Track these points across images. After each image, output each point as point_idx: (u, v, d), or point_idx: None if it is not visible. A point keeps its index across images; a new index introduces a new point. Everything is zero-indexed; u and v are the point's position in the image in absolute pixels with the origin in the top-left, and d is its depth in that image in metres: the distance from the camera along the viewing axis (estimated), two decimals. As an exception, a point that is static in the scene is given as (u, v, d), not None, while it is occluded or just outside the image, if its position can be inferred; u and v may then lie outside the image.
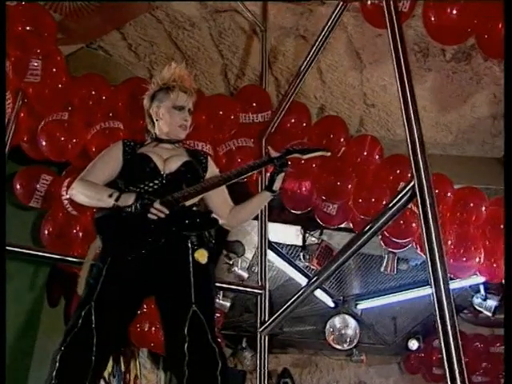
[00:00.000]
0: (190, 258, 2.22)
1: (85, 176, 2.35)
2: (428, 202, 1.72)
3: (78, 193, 2.31)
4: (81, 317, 2.07)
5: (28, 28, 3.16)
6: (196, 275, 2.19)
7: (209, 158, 2.59)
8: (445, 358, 1.49)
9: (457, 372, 1.45)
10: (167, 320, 2.21)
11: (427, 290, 5.60)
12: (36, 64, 3.25)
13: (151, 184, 2.29)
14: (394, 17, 2.20)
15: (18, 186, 3.63)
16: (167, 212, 2.17)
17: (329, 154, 2.66)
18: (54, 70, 3.37)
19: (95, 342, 2.03)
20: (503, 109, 1.85)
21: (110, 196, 2.21)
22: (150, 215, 2.15)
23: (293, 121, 3.69)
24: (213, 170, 2.54)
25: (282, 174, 2.44)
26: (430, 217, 1.69)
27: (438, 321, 1.54)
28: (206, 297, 2.22)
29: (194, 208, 2.36)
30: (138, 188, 2.28)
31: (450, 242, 3.83)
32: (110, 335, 2.11)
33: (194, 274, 2.19)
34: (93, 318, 2.06)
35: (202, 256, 2.23)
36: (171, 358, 2.18)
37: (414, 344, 6.97)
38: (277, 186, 2.45)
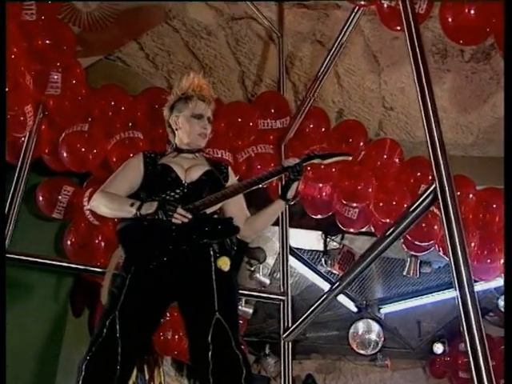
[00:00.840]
0: (213, 266, 2.21)
1: (105, 188, 2.36)
2: (450, 204, 1.71)
3: (100, 204, 2.32)
4: (105, 326, 2.07)
5: (48, 42, 3.18)
6: (219, 283, 2.19)
7: (229, 167, 2.59)
8: (471, 361, 1.47)
9: (484, 376, 1.43)
10: (191, 328, 2.21)
11: (451, 293, 5.55)
12: (56, 77, 3.30)
13: (173, 193, 2.29)
14: (411, 19, 2.20)
15: (41, 198, 3.66)
16: (190, 217, 2.17)
17: (350, 158, 2.63)
18: (74, 82, 3.42)
19: (120, 350, 2.03)
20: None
21: (132, 205, 2.21)
22: (174, 220, 2.15)
23: (311, 126, 3.69)
24: (233, 180, 2.54)
25: (296, 183, 2.40)
26: (452, 219, 1.68)
27: (464, 324, 1.53)
28: (229, 304, 2.22)
29: (215, 216, 2.36)
30: (160, 198, 2.28)
31: (473, 244, 3.79)
32: (134, 344, 2.11)
33: (216, 282, 2.19)
34: (117, 327, 2.06)
35: (224, 264, 2.22)
36: (196, 365, 2.17)
37: (438, 348, 6.89)
38: (290, 194, 2.41)
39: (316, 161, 2.43)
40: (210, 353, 2.03)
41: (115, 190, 2.34)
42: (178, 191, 2.31)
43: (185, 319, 2.24)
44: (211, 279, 2.19)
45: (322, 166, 3.29)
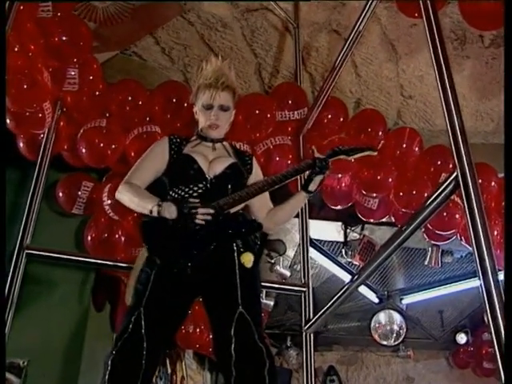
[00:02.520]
0: (236, 261, 2.22)
1: (130, 177, 2.36)
2: (472, 193, 1.70)
3: (124, 197, 2.32)
4: (131, 322, 2.10)
5: (64, 38, 3.18)
6: (242, 277, 2.20)
7: (253, 158, 2.57)
8: (497, 351, 1.46)
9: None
10: (215, 322, 2.22)
11: (473, 283, 5.50)
12: (73, 73, 3.30)
13: (196, 188, 2.28)
14: (429, 5, 2.17)
15: (61, 194, 3.68)
16: (212, 212, 2.17)
17: (375, 153, 2.56)
18: (91, 77, 3.43)
19: (145, 346, 2.06)
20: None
21: (151, 211, 2.19)
22: (197, 221, 2.15)
23: (330, 116, 3.66)
24: (257, 171, 2.52)
25: (321, 176, 2.38)
26: (474, 207, 1.67)
27: (489, 313, 1.52)
28: (252, 298, 2.23)
29: (240, 211, 2.34)
30: (183, 191, 2.29)
31: (496, 233, 3.74)
32: (159, 340, 2.14)
33: (240, 277, 2.19)
34: (142, 323, 2.08)
35: (247, 261, 2.22)
36: (219, 358, 2.19)
37: (462, 338, 6.85)
38: (313, 187, 2.39)
39: (341, 157, 2.41)
40: (232, 345, 2.05)
41: (140, 180, 2.34)
42: (201, 185, 2.29)
43: (209, 313, 2.26)
44: (235, 274, 2.19)
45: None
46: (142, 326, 2.08)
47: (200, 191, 2.28)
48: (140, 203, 2.26)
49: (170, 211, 2.16)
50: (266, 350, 2.09)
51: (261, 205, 2.45)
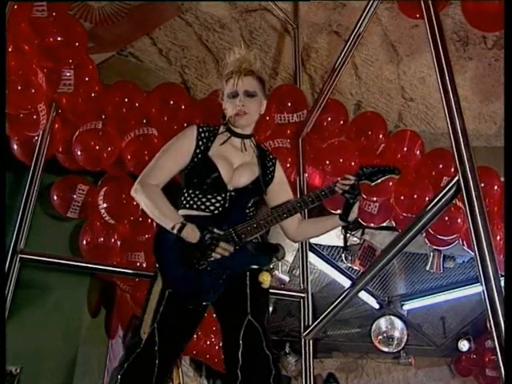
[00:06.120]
0: (247, 272, 2.22)
1: (149, 176, 2.23)
2: (474, 197, 1.67)
3: (141, 201, 2.21)
4: (144, 338, 2.07)
5: (59, 38, 3.14)
6: (252, 288, 2.21)
7: (277, 163, 2.48)
8: (500, 359, 1.43)
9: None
10: (225, 329, 2.24)
11: (476, 288, 5.47)
12: (68, 74, 3.26)
13: (213, 200, 2.22)
14: (431, 6, 2.14)
15: (55, 197, 3.65)
16: (232, 250, 2.14)
17: (398, 176, 2.49)
18: (87, 79, 3.38)
19: (157, 362, 2.04)
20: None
21: (173, 228, 2.11)
22: (214, 254, 2.12)
23: (329, 119, 3.62)
24: (281, 178, 2.46)
25: (357, 204, 2.35)
26: (477, 212, 1.65)
27: (491, 320, 1.49)
28: (261, 308, 2.24)
29: (255, 240, 2.27)
30: (199, 201, 2.22)
31: (498, 237, 3.69)
32: (171, 356, 2.15)
33: (250, 287, 2.20)
34: (156, 339, 2.06)
35: (265, 280, 2.23)
36: (226, 363, 2.18)
37: (464, 345, 6.80)
38: (353, 216, 2.37)
39: (364, 182, 2.35)
40: (240, 350, 2.07)
41: (159, 179, 2.23)
42: (219, 198, 2.23)
43: (220, 322, 2.27)
44: (245, 285, 2.21)
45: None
46: (156, 343, 2.05)
47: (217, 204, 2.23)
48: (160, 215, 2.16)
49: (193, 236, 2.11)
50: (272, 358, 2.11)
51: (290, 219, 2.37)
